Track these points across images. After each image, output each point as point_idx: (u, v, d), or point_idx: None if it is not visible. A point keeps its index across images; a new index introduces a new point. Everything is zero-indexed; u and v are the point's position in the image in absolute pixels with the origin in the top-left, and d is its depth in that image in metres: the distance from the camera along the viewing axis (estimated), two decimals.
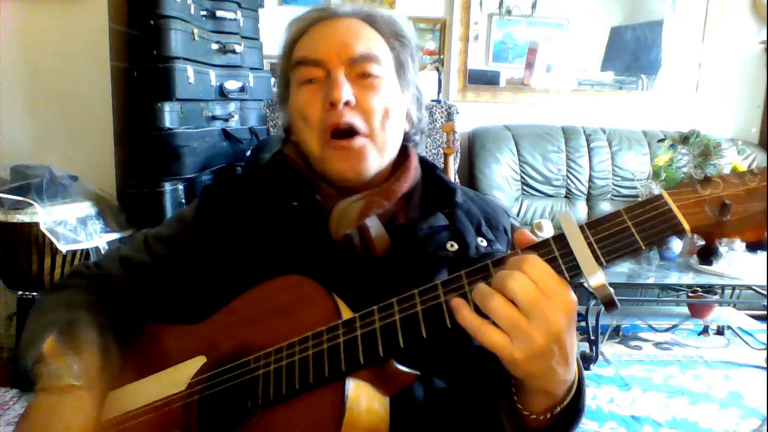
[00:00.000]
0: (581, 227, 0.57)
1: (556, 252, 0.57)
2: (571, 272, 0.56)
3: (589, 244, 0.55)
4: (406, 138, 0.91)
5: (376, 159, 0.84)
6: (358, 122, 0.81)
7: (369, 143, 0.82)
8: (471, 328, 0.56)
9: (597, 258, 0.55)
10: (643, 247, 0.54)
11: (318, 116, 0.82)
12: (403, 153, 0.91)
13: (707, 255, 0.54)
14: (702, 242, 0.54)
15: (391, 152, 0.87)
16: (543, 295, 0.54)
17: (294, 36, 0.87)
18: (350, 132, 0.81)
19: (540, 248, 0.58)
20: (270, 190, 0.88)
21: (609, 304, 0.55)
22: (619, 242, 0.55)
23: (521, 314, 0.54)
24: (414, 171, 0.89)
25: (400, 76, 0.87)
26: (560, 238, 0.57)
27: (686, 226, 0.53)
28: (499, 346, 0.55)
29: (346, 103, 0.80)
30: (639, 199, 0.59)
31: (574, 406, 0.65)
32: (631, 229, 0.55)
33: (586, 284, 0.55)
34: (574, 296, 0.56)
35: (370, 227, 0.80)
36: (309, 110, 0.82)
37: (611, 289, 0.54)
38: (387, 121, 0.83)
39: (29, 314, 0.85)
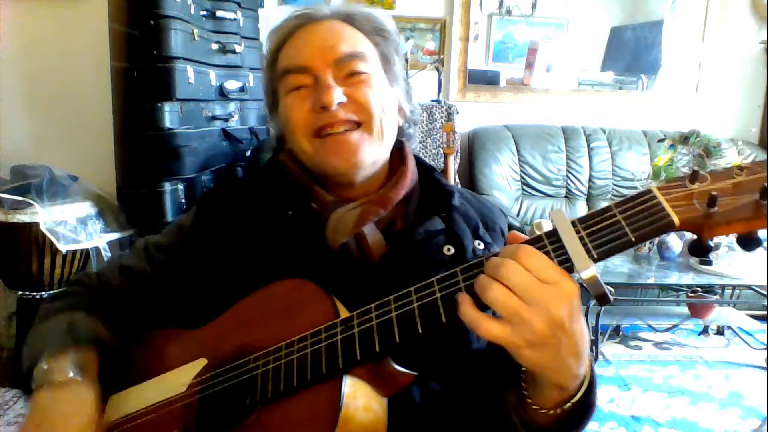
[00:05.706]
0: (573, 222, 0.57)
1: (548, 246, 0.57)
2: (564, 266, 0.56)
3: (581, 239, 0.56)
4: (401, 132, 0.91)
5: (374, 150, 0.83)
6: (353, 117, 0.81)
7: (365, 135, 0.82)
8: (469, 320, 0.57)
9: (588, 252, 0.55)
10: (634, 240, 0.54)
11: (308, 119, 0.82)
12: (400, 156, 0.91)
13: (698, 252, 0.54)
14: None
15: (388, 144, 0.86)
16: (540, 282, 0.55)
17: (277, 45, 0.87)
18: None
19: (532, 243, 0.58)
20: (266, 198, 0.88)
21: (601, 298, 0.56)
22: (609, 236, 0.55)
23: (521, 302, 0.55)
24: (411, 175, 0.89)
25: (387, 70, 0.87)
26: (552, 233, 0.58)
27: (675, 220, 0.53)
28: (499, 335, 0.56)
29: (340, 104, 0.80)
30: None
31: (584, 402, 0.65)
32: (621, 223, 0.55)
33: (577, 278, 0.55)
34: (574, 284, 0.56)
35: (366, 234, 0.80)
36: (298, 115, 0.82)
37: (603, 283, 0.55)
38: (382, 112, 0.83)
39: (32, 324, 0.86)
